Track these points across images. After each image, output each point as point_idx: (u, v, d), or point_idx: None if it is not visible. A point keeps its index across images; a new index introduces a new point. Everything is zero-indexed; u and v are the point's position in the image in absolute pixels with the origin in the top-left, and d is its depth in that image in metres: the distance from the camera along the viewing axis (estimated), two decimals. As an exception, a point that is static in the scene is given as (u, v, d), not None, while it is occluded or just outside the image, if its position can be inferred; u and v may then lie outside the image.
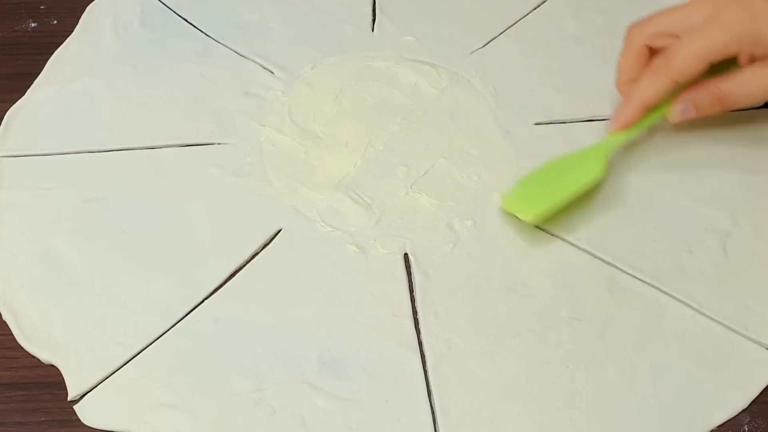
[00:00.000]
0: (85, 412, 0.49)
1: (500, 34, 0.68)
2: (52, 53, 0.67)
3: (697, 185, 0.59)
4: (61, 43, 0.68)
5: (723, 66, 0.55)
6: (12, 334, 0.52)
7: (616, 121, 0.57)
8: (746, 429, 0.49)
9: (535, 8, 0.70)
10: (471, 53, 0.67)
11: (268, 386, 0.49)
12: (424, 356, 0.51)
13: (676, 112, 0.56)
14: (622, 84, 0.58)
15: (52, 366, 0.51)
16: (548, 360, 0.50)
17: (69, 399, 0.49)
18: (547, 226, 0.56)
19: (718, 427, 0.49)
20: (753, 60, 0.54)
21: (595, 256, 0.55)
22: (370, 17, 0.70)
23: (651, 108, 0.56)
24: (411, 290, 0.54)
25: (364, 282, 0.54)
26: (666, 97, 0.56)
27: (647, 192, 0.58)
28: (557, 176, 0.57)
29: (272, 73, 0.66)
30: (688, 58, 0.54)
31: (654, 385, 0.49)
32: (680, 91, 0.56)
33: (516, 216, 0.56)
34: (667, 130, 0.62)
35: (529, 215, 0.55)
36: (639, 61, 0.57)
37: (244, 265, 0.55)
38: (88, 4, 0.71)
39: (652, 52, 0.57)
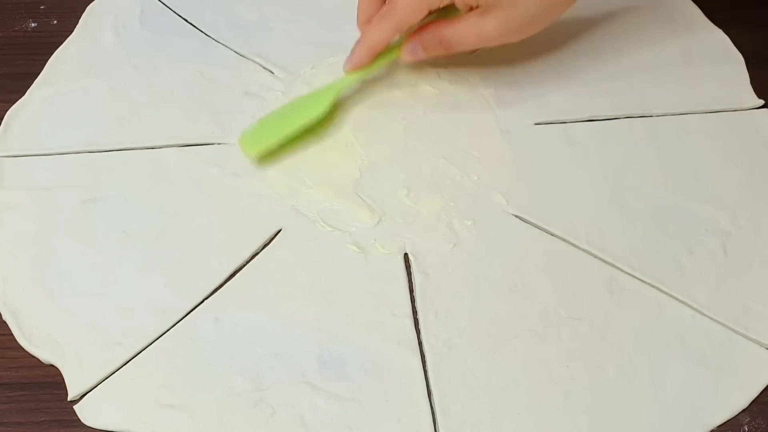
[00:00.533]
0: (85, 412, 0.49)
1: (500, 34, 0.68)
2: (52, 53, 0.67)
3: (697, 185, 0.59)
4: (61, 43, 0.68)
5: (450, 9, 0.58)
6: (12, 334, 0.52)
7: (349, 62, 0.60)
8: (746, 429, 0.49)
9: (535, 8, 0.70)
10: (471, 53, 0.67)
11: (268, 386, 0.49)
12: (424, 356, 0.51)
13: (406, 51, 0.60)
14: (361, 24, 0.61)
15: (52, 366, 0.51)
16: (548, 360, 0.51)
17: (69, 399, 0.49)
18: (547, 226, 0.56)
19: (718, 427, 0.49)
20: (471, 8, 0.57)
21: (595, 256, 0.55)
22: (370, 17, 0.70)
23: (380, 52, 0.60)
24: (411, 290, 0.54)
25: (364, 282, 0.54)
26: (396, 40, 0.60)
27: (647, 192, 0.58)
28: (288, 114, 0.60)
29: (272, 73, 0.66)
30: (409, 6, 0.57)
31: (654, 385, 0.50)
32: (411, 33, 0.60)
33: (244, 151, 0.59)
34: (668, 129, 0.62)
35: (252, 151, 0.59)
36: (374, 3, 0.60)
37: (244, 265, 0.55)
38: (88, 4, 0.71)
39: None
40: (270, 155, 0.60)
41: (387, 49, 0.60)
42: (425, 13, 0.57)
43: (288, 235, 0.56)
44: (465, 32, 0.58)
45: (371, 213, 0.57)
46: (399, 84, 0.65)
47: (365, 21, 0.60)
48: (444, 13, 0.59)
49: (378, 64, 0.61)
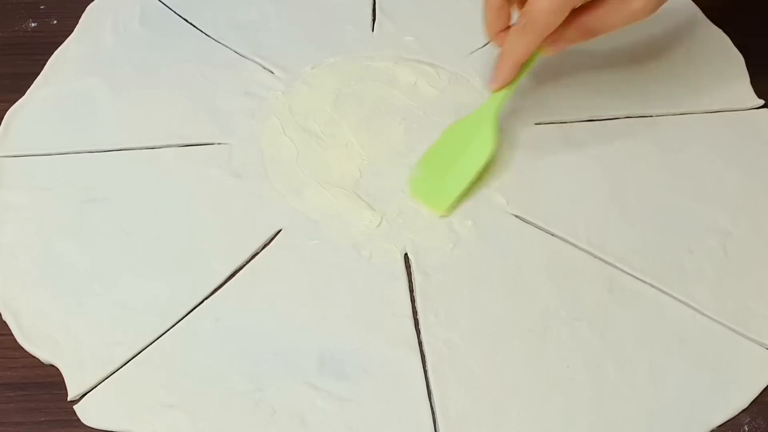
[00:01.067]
0: (85, 412, 0.49)
1: (500, 34, 0.68)
2: (52, 53, 0.67)
3: (697, 185, 0.59)
4: (61, 43, 0.68)
5: None
6: (12, 334, 0.52)
7: (495, 81, 0.58)
8: (746, 429, 0.49)
9: (535, 8, 0.70)
10: (471, 53, 0.67)
11: (268, 386, 0.49)
12: (424, 356, 0.51)
13: (548, 48, 0.57)
14: (492, 36, 0.59)
15: (52, 366, 0.51)
16: (548, 360, 0.51)
17: (69, 399, 0.49)
18: (547, 226, 0.56)
19: (718, 427, 0.49)
20: None
21: (595, 256, 0.55)
22: (370, 17, 0.70)
23: (523, 63, 0.57)
24: (411, 290, 0.54)
25: (364, 282, 0.54)
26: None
27: (647, 192, 0.58)
28: (454, 156, 0.58)
29: (272, 73, 0.66)
30: (548, 11, 0.53)
31: (654, 385, 0.50)
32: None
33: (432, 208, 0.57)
34: (668, 129, 0.62)
35: (441, 208, 0.57)
36: (500, 14, 0.57)
37: (244, 265, 0.55)
38: (88, 4, 0.71)
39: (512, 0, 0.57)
40: None
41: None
42: (567, 13, 0.53)
43: (288, 235, 0.56)
44: (609, 15, 0.55)
45: (371, 213, 0.57)
46: (399, 84, 0.65)
47: (496, 32, 0.58)
48: None
49: (524, 72, 0.58)
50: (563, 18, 0.54)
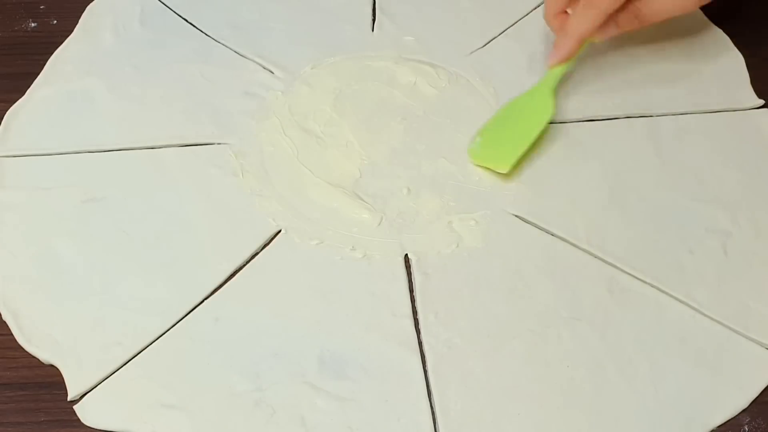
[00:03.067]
0: (85, 412, 0.49)
1: (500, 34, 0.68)
2: (52, 53, 0.67)
3: (697, 185, 0.59)
4: (61, 43, 0.68)
5: None
6: (12, 334, 0.52)
7: (556, 56, 0.60)
8: (746, 429, 0.49)
9: (535, 8, 0.70)
10: (471, 53, 0.67)
11: (268, 386, 0.49)
12: (424, 356, 0.51)
13: (601, 32, 0.60)
14: (551, 18, 0.61)
15: (52, 366, 0.51)
16: (548, 360, 0.50)
17: (69, 399, 0.49)
18: (547, 226, 0.56)
19: (718, 427, 0.49)
20: None
21: (595, 256, 0.55)
22: (370, 17, 0.70)
23: (585, 40, 0.60)
24: (411, 290, 0.54)
25: (364, 282, 0.54)
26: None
27: (647, 192, 0.58)
28: (514, 122, 0.60)
29: (272, 73, 0.66)
30: None
31: (654, 385, 0.50)
32: None
33: (489, 168, 0.59)
34: (668, 129, 0.62)
35: (504, 166, 0.58)
36: None
37: (244, 265, 0.55)
38: (88, 4, 0.71)
39: None
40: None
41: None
42: None
43: (288, 236, 0.56)
44: (662, 3, 0.58)
45: (371, 213, 0.57)
46: (399, 84, 0.65)
47: (556, 13, 0.60)
48: None
49: (578, 53, 0.61)
50: None
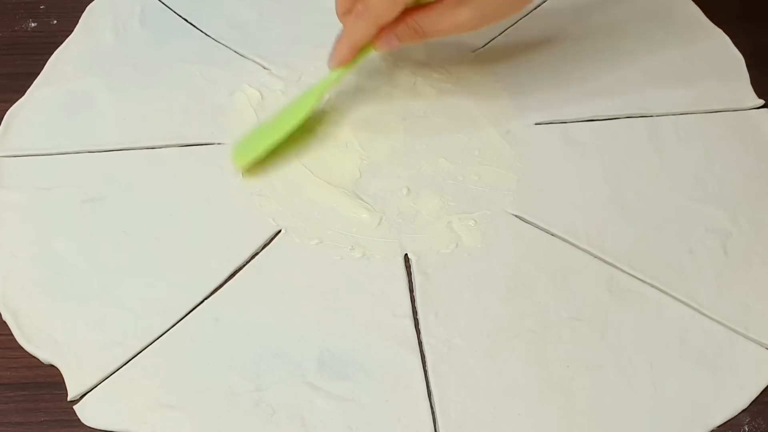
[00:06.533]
0: (85, 412, 0.49)
1: (500, 34, 0.68)
2: (52, 53, 0.67)
3: (697, 185, 0.59)
4: (61, 43, 0.68)
5: None
6: (12, 334, 0.52)
7: (334, 60, 0.60)
8: (746, 429, 0.49)
9: (535, 8, 0.70)
10: (471, 53, 0.67)
11: (268, 386, 0.49)
12: (424, 356, 0.51)
13: (380, 43, 0.59)
14: (340, 15, 0.60)
15: (52, 366, 0.51)
16: (548, 360, 0.50)
17: (69, 399, 0.49)
18: (547, 226, 0.56)
19: (718, 427, 0.49)
20: None
21: (595, 256, 0.55)
22: (370, 17, 0.70)
23: (360, 48, 0.59)
24: (411, 290, 0.54)
25: (364, 282, 0.54)
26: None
27: (647, 192, 0.58)
28: (275, 122, 0.60)
29: (272, 72, 0.66)
30: (382, 5, 0.56)
31: (654, 385, 0.50)
32: None
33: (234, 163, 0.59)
34: (668, 129, 0.62)
35: (240, 163, 0.58)
36: None
37: (244, 265, 0.55)
38: (88, 4, 0.71)
39: None
40: (263, 162, 0.59)
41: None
42: (401, 8, 0.56)
43: (288, 236, 0.56)
44: (439, 20, 0.57)
45: (371, 213, 0.57)
46: (399, 84, 0.65)
47: (344, 12, 0.59)
48: None
49: (360, 57, 0.60)
50: (396, 13, 0.56)
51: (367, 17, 0.57)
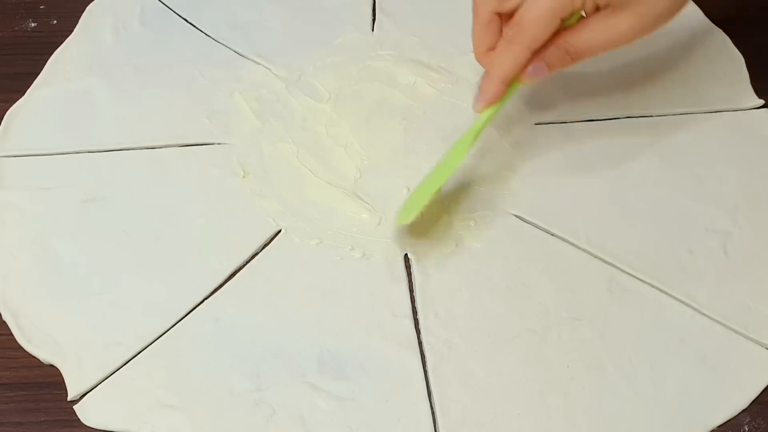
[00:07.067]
0: (85, 412, 0.49)
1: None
2: (52, 53, 0.67)
3: (697, 185, 0.59)
4: (61, 43, 0.68)
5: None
6: (12, 334, 0.52)
7: (481, 100, 0.54)
8: (746, 429, 0.49)
9: (535, 8, 0.70)
10: (471, 53, 0.67)
11: (268, 386, 0.49)
12: (424, 356, 0.51)
13: (528, 74, 0.53)
14: (480, 55, 0.55)
15: (52, 366, 0.51)
16: (548, 360, 0.50)
17: (69, 399, 0.49)
18: (547, 226, 0.56)
19: (718, 427, 0.49)
20: (597, 8, 0.51)
21: (595, 256, 0.55)
22: (370, 17, 0.70)
23: (513, 79, 0.53)
24: (411, 290, 0.54)
25: (364, 282, 0.54)
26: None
27: (647, 192, 0.58)
28: (433, 175, 0.55)
29: (272, 72, 0.66)
30: (538, 21, 0.51)
31: (654, 385, 0.50)
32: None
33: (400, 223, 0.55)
34: (668, 129, 0.62)
35: (407, 220, 0.53)
36: (491, 28, 0.54)
37: (244, 265, 0.55)
38: (88, 4, 0.71)
39: (503, 17, 0.54)
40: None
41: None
42: (558, 23, 0.51)
43: (288, 236, 0.56)
44: (594, 36, 0.52)
45: (371, 213, 0.57)
46: (399, 84, 0.65)
47: (485, 51, 0.54)
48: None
49: (508, 95, 0.54)
50: (552, 29, 0.51)
51: (520, 41, 0.51)
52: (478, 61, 0.55)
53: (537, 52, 0.52)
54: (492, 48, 0.54)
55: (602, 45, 0.53)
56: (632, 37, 0.52)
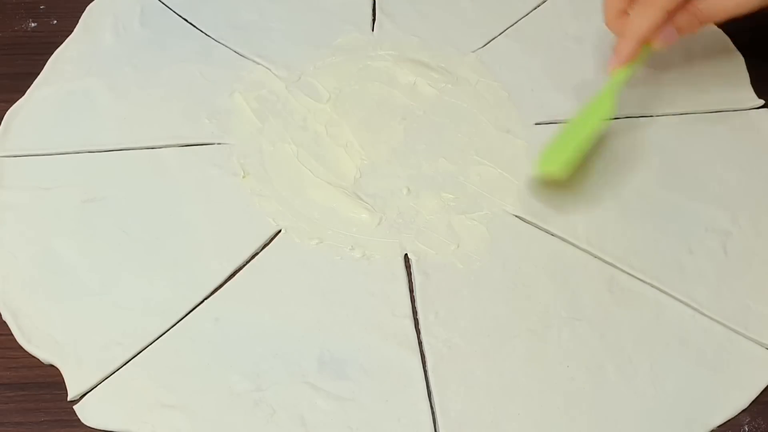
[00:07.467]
0: (85, 412, 0.49)
1: (500, 34, 0.68)
2: (52, 53, 0.67)
3: (697, 185, 0.59)
4: (61, 43, 0.68)
5: None
6: (12, 334, 0.52)
7: (615, 60, 0.58)
8: (746, 429, 0.49)
9: (535, 8, 0.70)
10: (471, 53, 0.67)
11: (268, 386, 0.49)
12: (424, 356, 0.51)
13: (661, 36, 0.57)
14: (611, 21, 0.59)
15: (52, 366, 0.51)
16: (548, 360, 0.51)
17: (69, 399, 0.49)
18: (547, 226, 0.56)
19: (718, 427, 0.49)
20: None
21: (595, 256, 0.55)
22: (370, 17, 0.70)
23: (648, 40, 0.57)
24: (411, 290, 0.54)
25: (364, 282, 0.54)
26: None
27: (647, 192, 0.58)
28: (574, 128, 0.58)
29: (272, 72, 0.66)
30: None
31: (654, 385, 0.50)
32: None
33: (549, 176, 0.56)
34: (668, 129, 0.62)
35: (552, 167, 0.55)
36: None
37: (244, 265, 0.55)
38: (88, 4, 0.71)
39: None
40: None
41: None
42: None
43: (288, 236, 0.56)
44: (722, 2, 0.55)
45: (371, 213, 0.57)
46: (399, 84, 0.65)
47: (617, 16, 0.58)
48: None
49: (639, 58, 0.58)
50: None
51: (655, 3, 0.55)
52: (609, 27, 0.59)
53: (668, 17, 0.55)
54: (623, 12, 0.57)
55: (730, 10, 0.56)
56: (758, 3, 0.55)
